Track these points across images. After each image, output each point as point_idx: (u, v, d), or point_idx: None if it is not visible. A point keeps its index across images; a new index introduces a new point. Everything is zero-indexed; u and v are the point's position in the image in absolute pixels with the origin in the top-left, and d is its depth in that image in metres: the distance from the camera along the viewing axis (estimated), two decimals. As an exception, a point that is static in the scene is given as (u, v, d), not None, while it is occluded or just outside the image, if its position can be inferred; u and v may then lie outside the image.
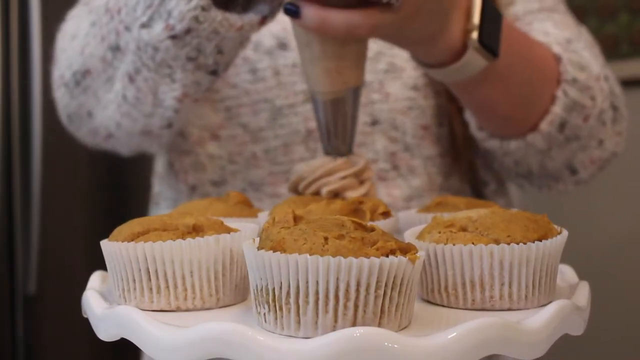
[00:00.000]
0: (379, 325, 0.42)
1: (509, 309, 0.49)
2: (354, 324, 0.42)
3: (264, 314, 0.44)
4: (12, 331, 1.45)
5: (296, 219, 0.47)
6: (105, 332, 0.48)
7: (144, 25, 0.67)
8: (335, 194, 0.63)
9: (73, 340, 1.52)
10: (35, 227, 1.45)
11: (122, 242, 0.50)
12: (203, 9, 0.63)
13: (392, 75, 0.87)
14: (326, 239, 0.42)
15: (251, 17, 0.66)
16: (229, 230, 0.52)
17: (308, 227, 0.44)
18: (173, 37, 0.66)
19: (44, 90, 1.42)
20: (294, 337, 0.42)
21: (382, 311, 0.43)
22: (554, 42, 0.80)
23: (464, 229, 0.50)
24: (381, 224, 0.57)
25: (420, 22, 0.63)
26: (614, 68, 0.86)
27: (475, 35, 0.66)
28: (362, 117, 0.86)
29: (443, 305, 0.51)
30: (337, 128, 0.65)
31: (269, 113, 0.86)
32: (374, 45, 0.87)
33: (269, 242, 0.44)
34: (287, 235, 0.44)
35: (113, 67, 0.75)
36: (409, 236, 0.54)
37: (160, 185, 0.96)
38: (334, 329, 0.42)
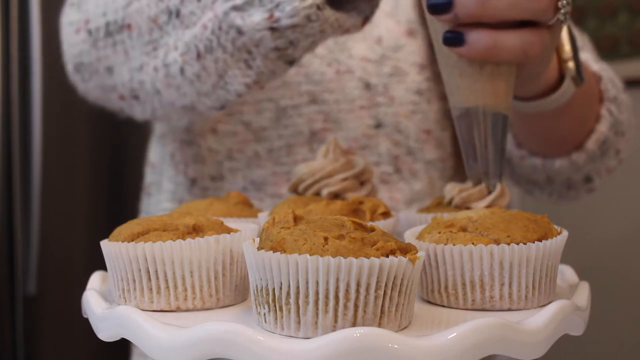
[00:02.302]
0: (379, 325, 0.42)
1: (509, 309, 0.49)
2: (354, 324, 0.42)
3: (264, 314, 0.44)
4: (12, 331, 1.45)
5: (296, 219, 0.47)
6: (105, 332, 0.48)
7: (236, 8, 0.61)
8: (336, 195, 0.63)
9: (73, 340, 1.52)
10: (35, 227, 1.44)
11: (122, 242, 0.50)
12: (318, 7, 0.59)
13: (396, 78, 0.87)
14: (326, 239, 0.42)
15: (354, 17, 0.62)
16: (229, 230, 0.52)
17: (308, 227, 0.44)
18: (273, 29, 0.60)
19: (44, 91, 1.42)
20: (294, 337, 0.42)
21: (382, 311, 0.43)
22: (590, 60, 0.80)
23: (464, 229, 0.50)
24: (381, 224, 0.57)
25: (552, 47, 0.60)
26: (613, 68, 0.86)
27: (572, 64, 0.65)
28: (367, 120, 0.86)
29: (443, 305, 0.51)
30: (493, 147, 0.59)
31: (273, 113, 0.85)
32: (378, 49, 0.87)
33: (269, 242, 0.44)
34: (287, 236, 0.44)
35: (163, 31, 0.68)
36: (409, 236, 0.54)
37: (153, 175, 0.94)
38: (334, 329, 0.42)
